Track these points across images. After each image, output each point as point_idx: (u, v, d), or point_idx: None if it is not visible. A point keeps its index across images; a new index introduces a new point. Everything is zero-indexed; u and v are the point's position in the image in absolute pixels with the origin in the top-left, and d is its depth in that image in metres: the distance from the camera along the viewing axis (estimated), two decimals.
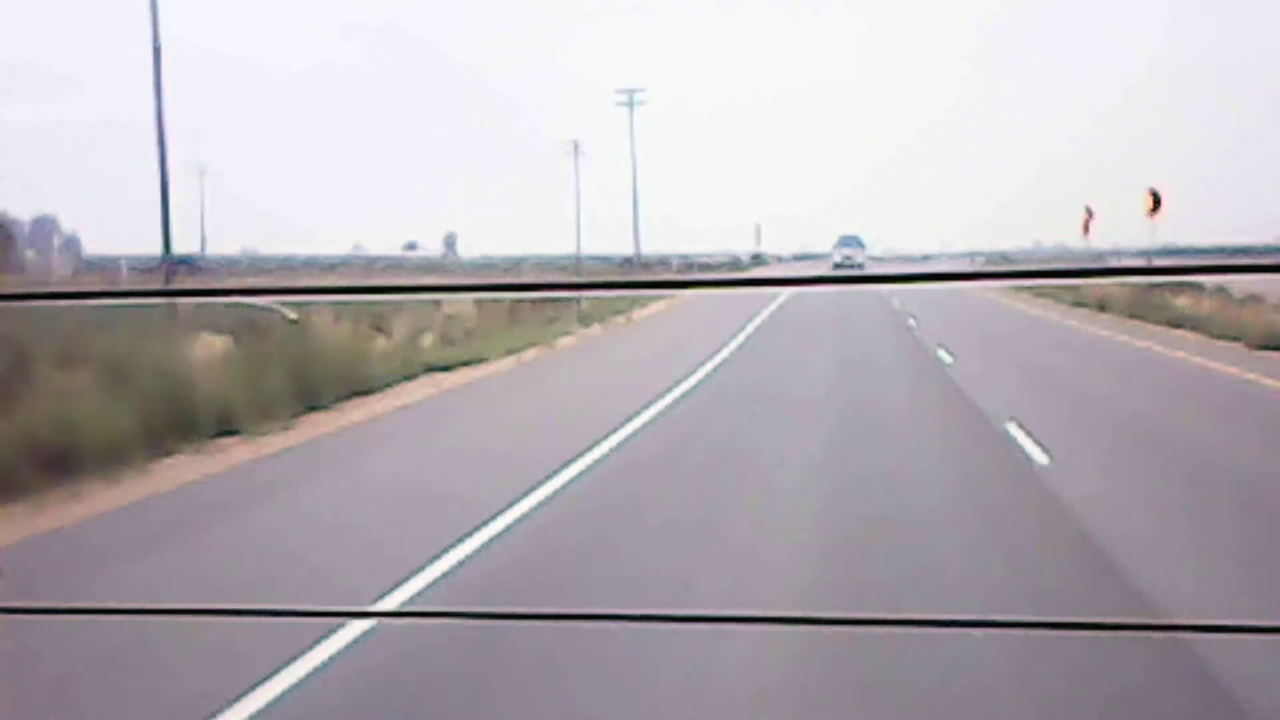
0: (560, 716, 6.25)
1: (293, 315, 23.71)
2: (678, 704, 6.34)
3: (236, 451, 14.09)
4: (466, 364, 23.37)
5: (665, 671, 6.59)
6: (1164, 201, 40.31)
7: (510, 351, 25.58)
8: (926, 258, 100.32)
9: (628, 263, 67.14)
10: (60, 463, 12.05)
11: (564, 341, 29.19)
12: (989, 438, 14.26)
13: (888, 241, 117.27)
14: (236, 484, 12.54)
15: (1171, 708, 6.27)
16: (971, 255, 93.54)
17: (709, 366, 22.59)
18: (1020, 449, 13.24)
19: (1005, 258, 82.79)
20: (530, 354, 26.04)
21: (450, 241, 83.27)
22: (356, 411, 17.52)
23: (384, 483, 12.48)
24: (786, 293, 34.53)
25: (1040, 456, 12.74)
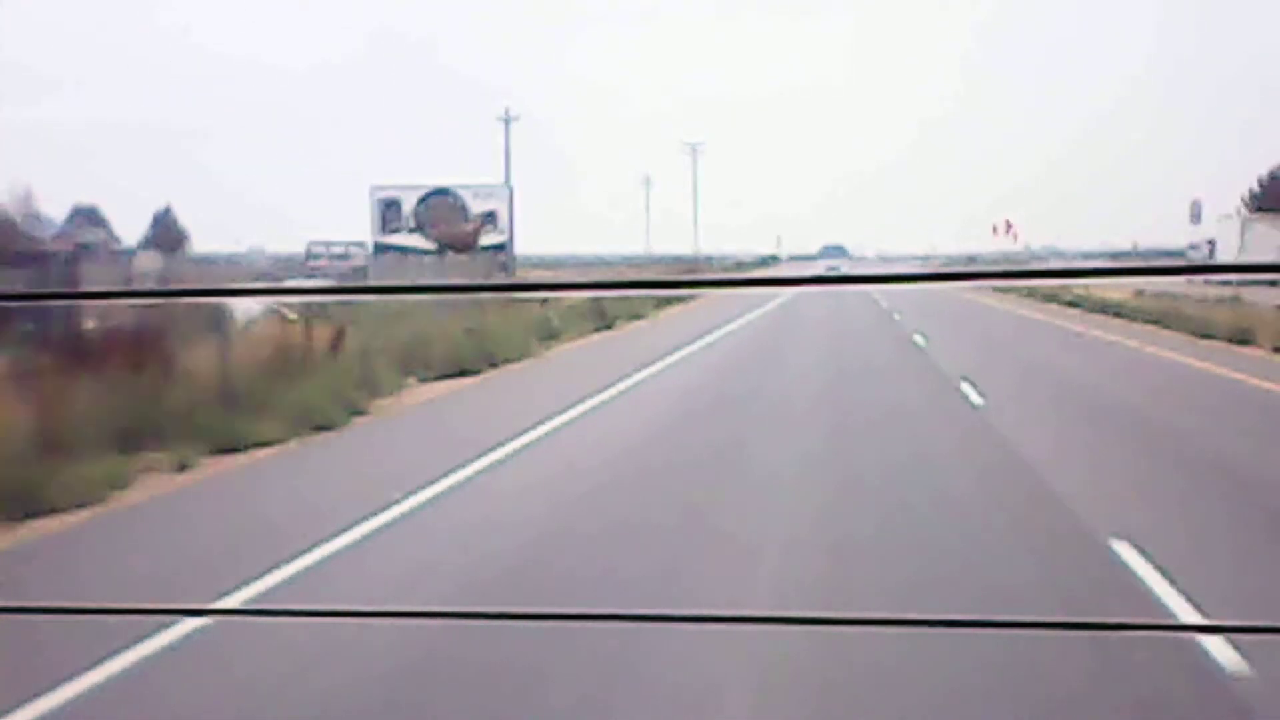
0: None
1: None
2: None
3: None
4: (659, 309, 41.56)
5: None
6: (1015, 226, 72.90)
7: (679, 301, 43.45)
8: (925, 259, 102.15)
9: (680, 262, 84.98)
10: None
11: (692, 304, 44.34)
12: (902, 338, 29.47)
13: (880, 245, 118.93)
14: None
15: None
16: (927, 258, 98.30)
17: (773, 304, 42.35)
18: (916, 342, 27.75)
19: (973, 259, 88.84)
20: (679, 307, 43.45)
21: None
22: (634, 322, 37.07)
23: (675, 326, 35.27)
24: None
25: (921, 341, 27.72)
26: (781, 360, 24.66)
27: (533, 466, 12.92)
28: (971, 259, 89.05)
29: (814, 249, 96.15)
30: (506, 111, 62.15)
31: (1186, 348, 26.39)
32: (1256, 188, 65.94)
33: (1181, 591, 7.77)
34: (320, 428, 15.22)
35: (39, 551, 9.87)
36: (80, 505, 11.05)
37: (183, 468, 12.80)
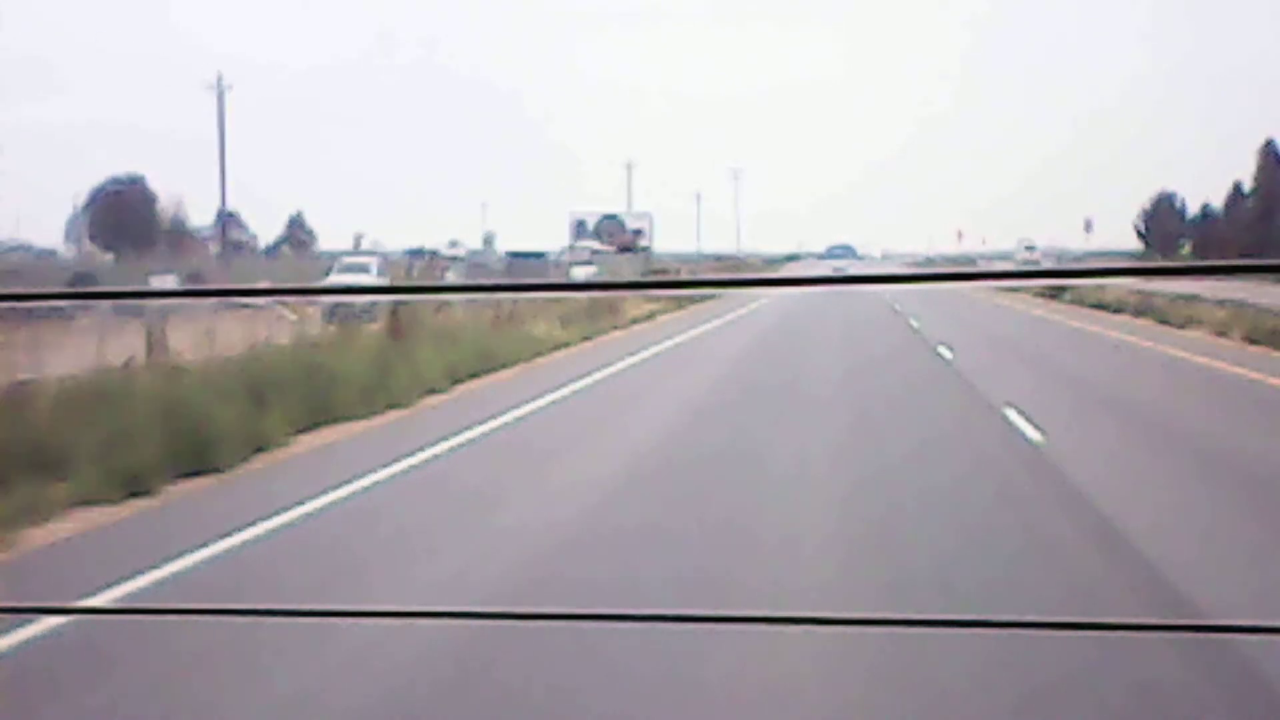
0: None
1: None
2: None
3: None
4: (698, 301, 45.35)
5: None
6: (965, 235, 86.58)
7: (715, 298, 45.27)
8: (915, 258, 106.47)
9: (720, 259, 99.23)
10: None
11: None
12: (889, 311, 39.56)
13: (885, 244, 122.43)
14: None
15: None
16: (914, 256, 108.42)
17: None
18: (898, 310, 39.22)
19: (968, 259, 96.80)
20: (710, 304, 44.59)
21: (489, 240, 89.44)
22: (687, 309, 42.72)
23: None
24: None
25: (899, 307, 39.60)
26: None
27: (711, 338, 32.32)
28: (931, 260, 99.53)
29: (821, 247, 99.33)
30: (629, 161, 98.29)
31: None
32: (1148, 205, 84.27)
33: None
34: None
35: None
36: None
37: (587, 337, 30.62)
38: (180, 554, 8.98)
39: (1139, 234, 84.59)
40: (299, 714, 6.32)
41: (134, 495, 11.19)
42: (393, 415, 16.64)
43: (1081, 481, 11.52)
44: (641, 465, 12.87)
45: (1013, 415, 15.29)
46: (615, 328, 33.75)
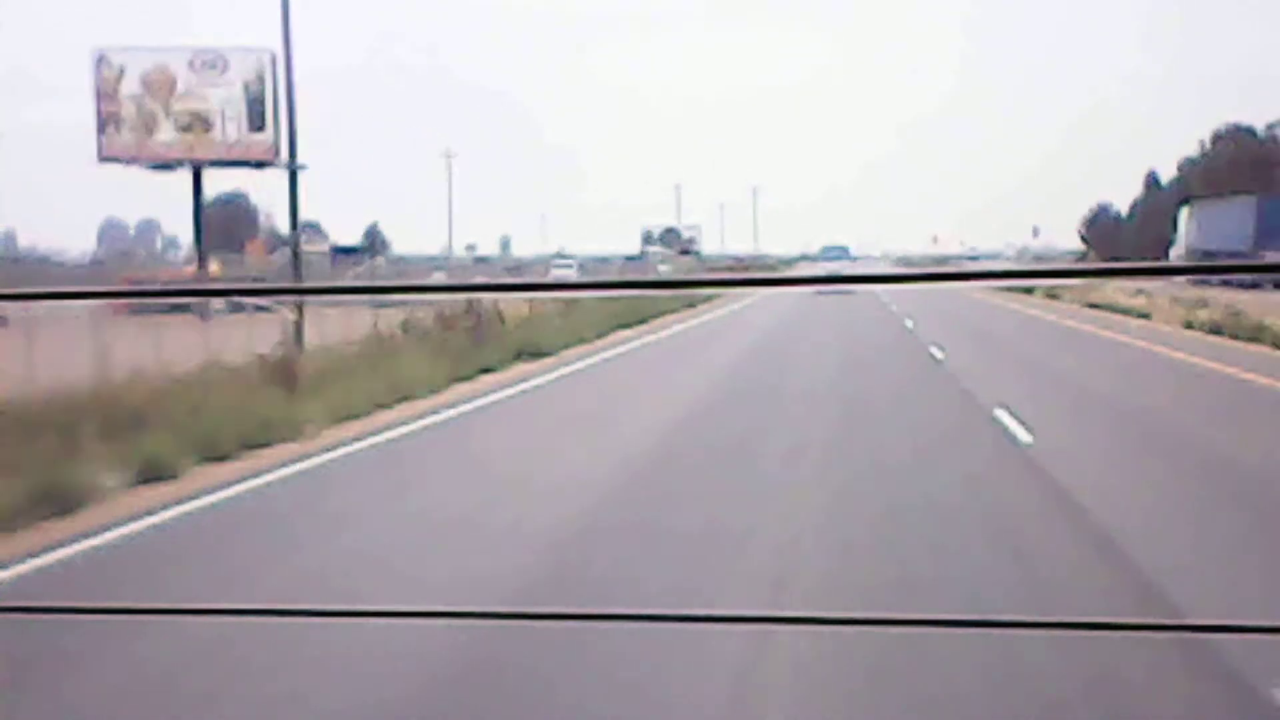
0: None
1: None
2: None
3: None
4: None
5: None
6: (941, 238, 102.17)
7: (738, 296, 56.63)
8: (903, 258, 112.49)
9: (740, 260, 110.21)
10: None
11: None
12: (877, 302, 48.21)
13: (885, 244, 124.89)
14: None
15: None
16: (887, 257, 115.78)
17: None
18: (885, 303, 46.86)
19: (944, 261, 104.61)
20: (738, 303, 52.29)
21: (505, 244, 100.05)
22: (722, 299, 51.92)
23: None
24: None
25: (887, 300, 46.94)
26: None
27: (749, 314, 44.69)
28: (908, 259, 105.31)
29: (816, 248, 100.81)
30: (677, 186, 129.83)
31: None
32: (1088, 213, 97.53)
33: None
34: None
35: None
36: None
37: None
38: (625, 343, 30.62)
39: (1081, 237, 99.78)
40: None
41: (623, 326, 34.49)
42: (657, 321, 37.93)
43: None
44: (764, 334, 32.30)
45: (934, 349, 26.18)
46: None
